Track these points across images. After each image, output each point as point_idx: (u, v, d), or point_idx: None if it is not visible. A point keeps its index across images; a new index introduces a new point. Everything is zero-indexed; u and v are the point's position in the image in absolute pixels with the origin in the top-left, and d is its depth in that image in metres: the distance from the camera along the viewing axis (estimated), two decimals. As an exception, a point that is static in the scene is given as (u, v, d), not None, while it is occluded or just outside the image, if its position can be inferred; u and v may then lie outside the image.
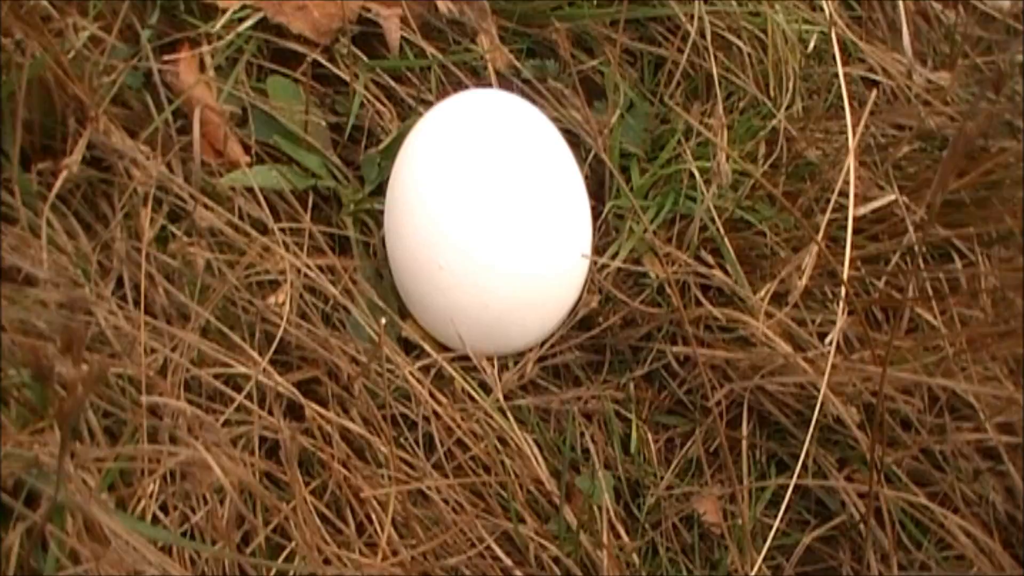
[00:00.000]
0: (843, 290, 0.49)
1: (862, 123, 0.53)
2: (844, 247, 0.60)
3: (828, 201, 0.59)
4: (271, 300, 0.56)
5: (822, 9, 0.68)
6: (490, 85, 0.64)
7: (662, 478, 0.58)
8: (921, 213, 0.59)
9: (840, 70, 0.54)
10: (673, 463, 0.59)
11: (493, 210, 0.56)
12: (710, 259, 0.60)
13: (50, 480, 0.45)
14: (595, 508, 0.56)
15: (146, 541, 0.49)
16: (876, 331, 0.59)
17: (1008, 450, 0.57)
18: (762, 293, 0.52)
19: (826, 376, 0.51)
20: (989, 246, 0.61)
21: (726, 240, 0.59)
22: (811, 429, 0.51)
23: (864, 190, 0.62)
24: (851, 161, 0.52)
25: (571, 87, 0.64)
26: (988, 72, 0.69)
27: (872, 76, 0.67)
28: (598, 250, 0.61)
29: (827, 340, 0.51)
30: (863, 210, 0.60)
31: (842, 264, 0.52)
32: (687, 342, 0.58)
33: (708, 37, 0.64)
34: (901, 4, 0.65)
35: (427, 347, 0.58)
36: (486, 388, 0.58)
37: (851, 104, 0.60)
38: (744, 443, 0.58)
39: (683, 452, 0.59)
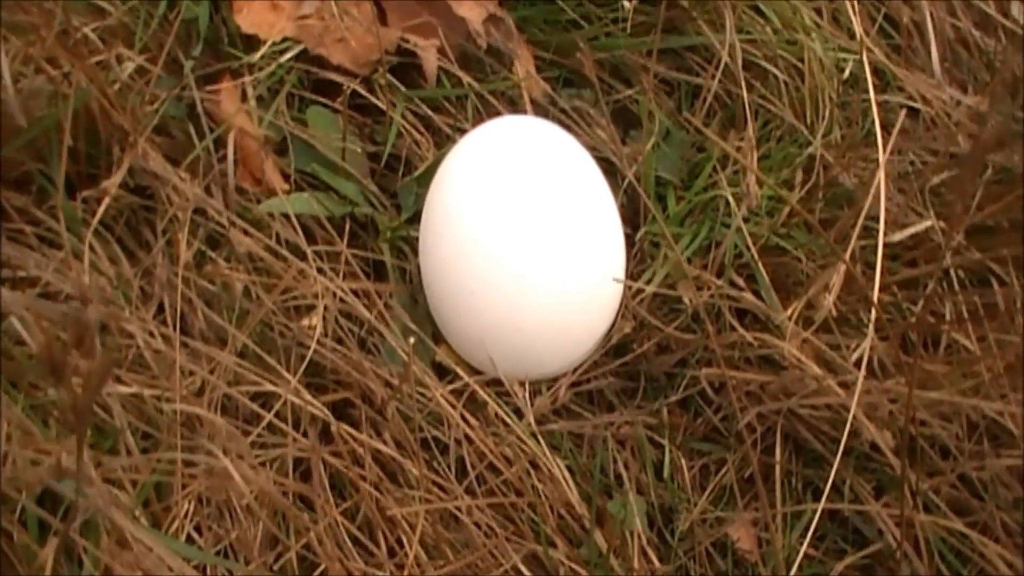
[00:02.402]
0: (872, 313, 0.49)
1: (890, 147, 0.53)
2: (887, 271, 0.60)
3: (864, 227, 0.59)
4: (304, 323, 0.57)
5: (853, 38, 0.68)
6: (525, 113, 0.65)
7: (695, 504, 0.58)
8: (958, 239, 0.58)
9: (872, 96, 0.54)
10: (707, 489, 0.58)
11: (526, 236, 0.57)
12: (744, 285, 0.60)
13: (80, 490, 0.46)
14: (627, 533, 0.56)
15: (181, 559, 0.49)
16: (916, 357, 0.59)
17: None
18: (789, 312, 0.52)
19: (855, 399, 0.50)
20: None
21: (760, 265, 0.59)
22: (839, 452, 0.51)
23: (900, 216, 0.62)
24: (882, 185, 0.52)
25: (605, 116, 0.65)
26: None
27: (910, 103, 0.67)
28: (633, 276, 0.61)
29: (852, 360, 0.51)
30: (898, 236, 0.60)
31: (872, 287, 0.52)
32: (720, 366, 0.58)
33: (739, 64, 0.64)
34: (930, 28, 0.64)
35: (460, 371, 0.59)
36: (519, 413, 0.58)
37: (885, 131, 0.60)
38: (778, 469, 0.58)
39: (717, 479, 0.59)
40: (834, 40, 0.68)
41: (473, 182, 0.58)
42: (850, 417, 0.50)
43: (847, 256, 0.53)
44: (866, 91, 0.63)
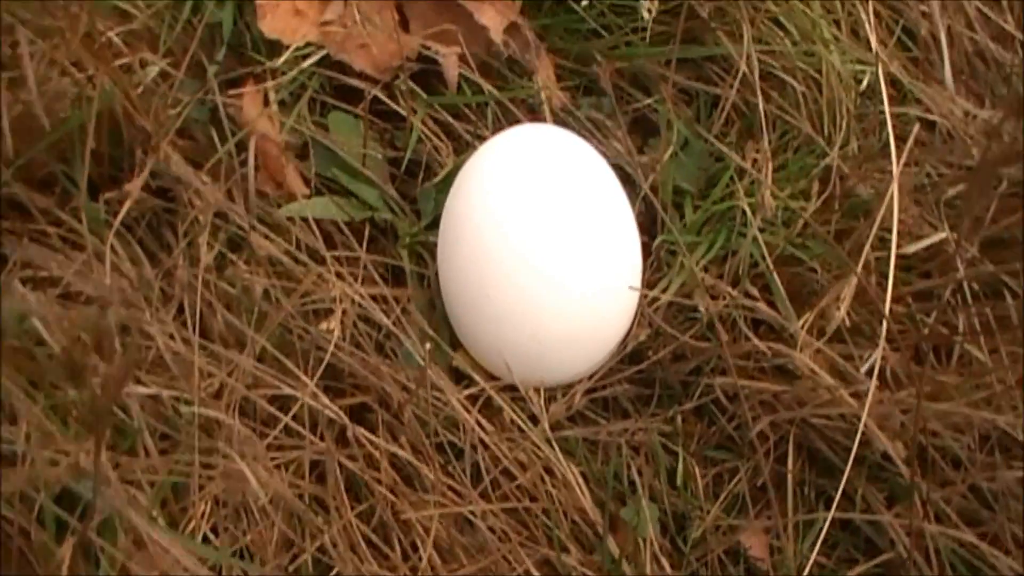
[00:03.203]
0: (884, 324, 0.49)
1: (902, 160, 0.53)
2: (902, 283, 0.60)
3: (880, 239, 0.59)
4: (323, 326, 0.58)
5: (869, 50, 0.68)
6: (545, 121, 0.65)
7: (708, 512, 0.58)
8: (972, 251, 0.59)
9: (887, 108, 0.54)
10: (720, 497, 0.59)
11: (544, 243, 0.57)
12: (759, 295, 0.60)
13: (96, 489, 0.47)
14: (640, 540, 0.56)
15: (196, 559, 0.50)
16: (926, 368, 0.59)
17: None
18: (801, 322, 0.52)
19: (866, 408, 0.51)
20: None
21: (775, 275, 0.59)
22: (849, 461, 0.51)
23: (916, 228, 0.62)
24: (895, 196, 0.52)
25: (622, 126, 0.65)
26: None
27: (927, 116, 0.67)
28: (649, 284, 0.61)
29: (863, 370, 0.51)
30: (913, 247, 0.60)
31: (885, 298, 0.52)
32: (732, 376, 0.58)
33: (756, 75, 0.65)
34: (943, 40, 0.65)
35: (476, 376, 0.59)
36: (534, 419, 0.58)
37: (900, 142, 0.60)
38: (790, 478, 0.58)
39: (730, 486, 0.59)
40: (852, 52, 0.68)
41: (492, 189, 0.58)
42: (860, 427, 0.51)
43: (859, 267, 0.53)
44: (882, 103, 0.64)
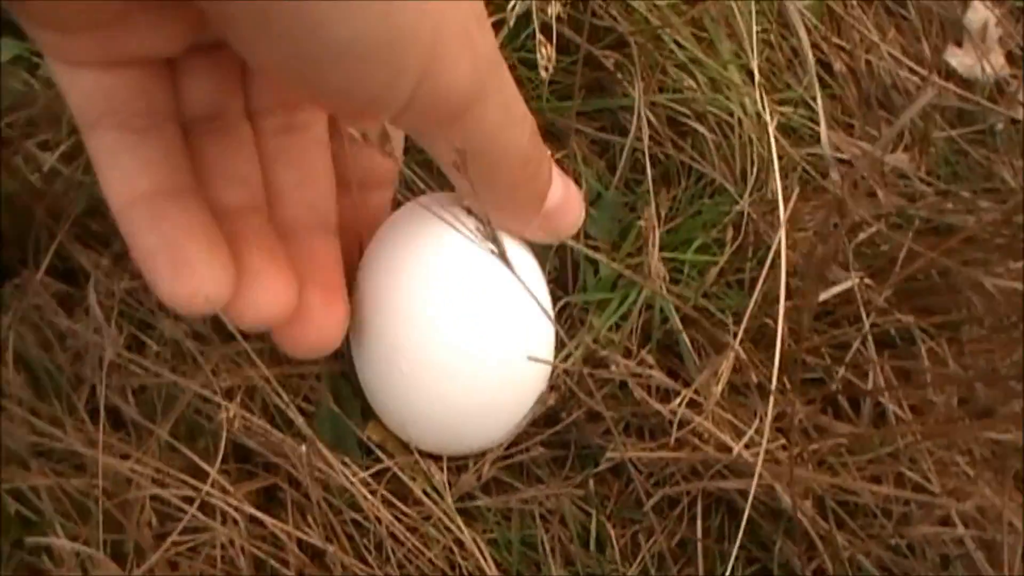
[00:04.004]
0: (773, 381, 0.48)
1: (790, 203, 0.52)
2: (813, 331, 0.59)
3: (794, 287, 0.59)
4: (229, 411, 0.57)
5: (791, 88, 0.68)
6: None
7: (625, 574, 0.58)
8: (880, 299, 0.58)
9: (774, 157, 0.54)
10: (638, 557, 0.58)
11: (452, 312, 0.56)
12: (663, 355, 0.60)
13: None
14: (554, 608, 0.56)
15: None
16: (839, 420, 0.59)
17: (974, 539, 0.56)
18: (678, 401, 0.52)
19: (758, 467, 0.50)
20: (952, 329, 0.60)
21: (684, 335, 0.59)
22: (743, 520, 0.51)
23: (832, 275, 0.61)
24: (783, 242, 0.51)
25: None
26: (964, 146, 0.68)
27: (841, 156, 0.66)
28: (563, 343, 0.61)
29: (767, 425, 0.51)
30: (825, 295, 0.60)
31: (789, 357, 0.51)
32: (649, 437, 0.58)
33: (655, 123, 0.64)
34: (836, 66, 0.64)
35: (385, 449, 0.59)
36: (449, 487, 0.58)
37: (807, 187, 0.60)
38: (700, 545, 0.57)
39: (647, 546, 0.59)
40: (768, 94, 0.68)
41: (399, 261, 0.58)
42: (753, 485, 0.50)
43: (780, 316, 0.53)
44: (800, 145, 0.63)
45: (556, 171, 0.51)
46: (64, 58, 0.43)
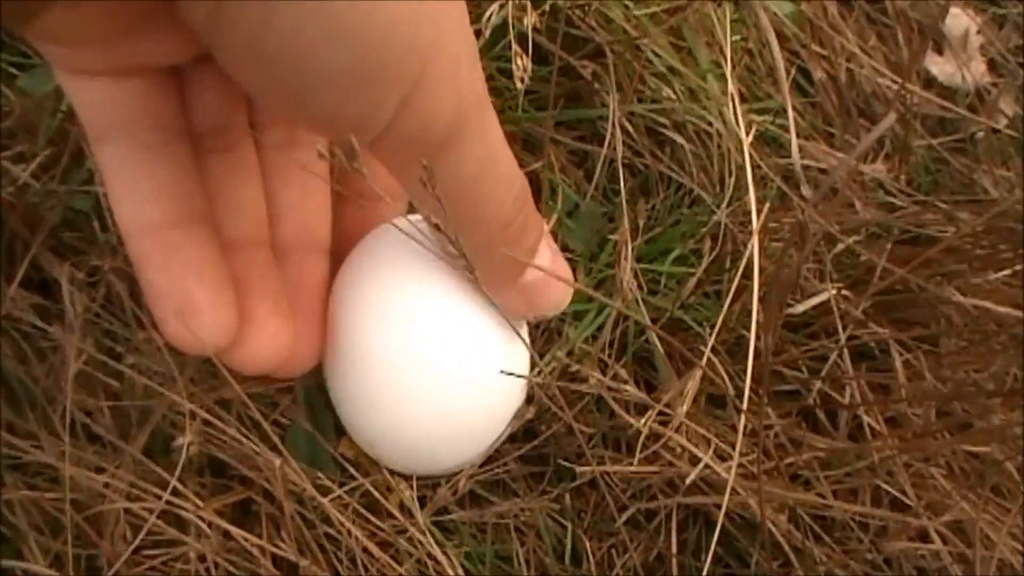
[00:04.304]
0: (746, 394, 0.48)
1: (763, 215, 0.52)
2: (790, 343, 0.59)
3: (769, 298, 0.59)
4: (179, 440, 0.57)
5: (771, 97, 0.68)
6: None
7: (600, 589, 0.58)
8: (858, 311, 0.58)
9: (748, 171, 0.53)
10: (613, 572, 0.58)
11: (425, 330, 0.56)
12: (641, 366, 0.60)
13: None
14: (529, 622, 0.56)
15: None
16: (815, 433, 0.59)
17: (951, 554, 0.56)
18: (643, 421, 0.51)
19: (729, 486, 0.50)
20: (930, 342, 0.60)
21: (659, 348, 0.59)
22: (714, 540, 0.51)
23: (808, 286, 0.61)
24: (755, 253, 0.51)
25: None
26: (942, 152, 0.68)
27: (819, 165, 0.66)
28: (539, 355, 0.61)
29: (720, 444, 0.50)
30: (801, 307, 0.59)
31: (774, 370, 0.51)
32: (627, 450, 0.58)
33: (632, 133, 0.64)
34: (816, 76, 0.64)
35: (353, 470, 0.58)
36: (422, 503, 0.58)
37: (785, 196, 0.59)
38: (674, 561, 0.57)
39: (623, 560, 0.58)
40: (745, 103, 0.68)
41: (372, 279, 0.57)
42: (726, 498, 0.50)
43: (754, 326, 0.53)
44: (778, 155, 0.63)
45: (549, 246, 0.50)
46: (71, 68, 0.43)
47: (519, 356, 0.59)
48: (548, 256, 0.49)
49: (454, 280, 0.57)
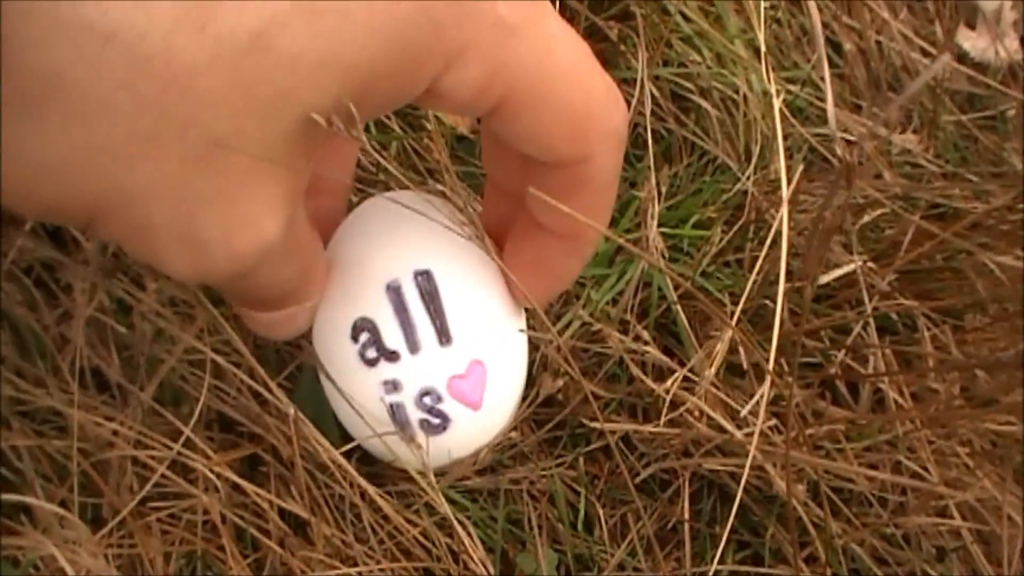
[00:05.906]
0: (771, 362, 0.47)
1: (794, 184, 0.51)
2: (812, 314, 0.58)
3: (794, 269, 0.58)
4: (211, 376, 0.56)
5: (798, 67, 0.67)
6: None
7: (612, 555, 0.57)
8: (884, 283, 0.57)
9: (779, 134, 0.52)
10: (626, 540, 0.57)
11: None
12: (660, 332, 0.59)
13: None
14: (538, 587, 0.55)
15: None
16: (836, 405, 0.58)
17: (971, 532, 0.55)
18: (669, 384, 0.50)
19: (752, 450, 0.49)
20: (956, 316, 0.59)
21: (681, 313, 0.58)
22: (735, 505, 0.49)
23: (833, 257, 0.60)
24: (784, 222, 0.49)
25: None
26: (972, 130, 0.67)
27: (848, 137, 0.65)
28: (555, 319, 0.59)
29: (746, 410, 0.49)
30: (826, 278, 0.58)
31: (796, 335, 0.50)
32: (644, 417, 0.57)
33: (658, 97, 0.63)
34: (842, 56, 0.62)
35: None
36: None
37: (812, 167, 0.58)
38: (687, 527, 0.56)
39: (636, 528, 0.58)
40: (771, 72, 0.66)
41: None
42: (746, 469, 0.49)
43: (781, 296, 0.52)
44: (804, 125, 0.62)
45: None
46: None
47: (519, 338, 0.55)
48: None
49: (464, 246, 0.53)
